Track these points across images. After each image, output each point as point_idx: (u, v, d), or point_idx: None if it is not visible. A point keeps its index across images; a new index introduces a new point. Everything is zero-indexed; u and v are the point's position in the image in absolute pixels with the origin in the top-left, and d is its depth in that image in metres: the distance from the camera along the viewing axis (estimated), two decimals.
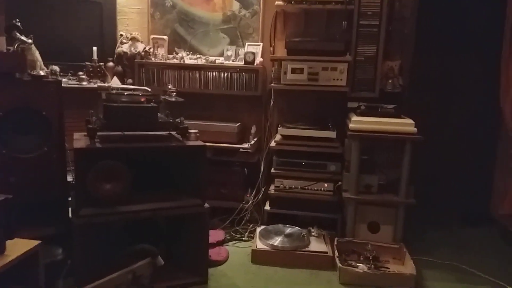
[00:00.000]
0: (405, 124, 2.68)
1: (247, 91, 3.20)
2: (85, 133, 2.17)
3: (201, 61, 3.28)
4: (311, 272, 2.57)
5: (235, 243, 2.92)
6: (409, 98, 3.12)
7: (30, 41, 2.39)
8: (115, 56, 3.33)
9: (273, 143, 3.08)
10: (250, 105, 3.40)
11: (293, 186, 3.02)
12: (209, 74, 3.21)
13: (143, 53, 3.27)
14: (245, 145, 3.14)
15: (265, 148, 3.34)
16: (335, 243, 2.71)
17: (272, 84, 3.12)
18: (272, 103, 3.34)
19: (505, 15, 2.92)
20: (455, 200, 3.66)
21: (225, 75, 3.20)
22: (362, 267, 2.47)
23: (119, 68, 3.30)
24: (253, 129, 3.30)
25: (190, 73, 3.23)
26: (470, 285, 2.51)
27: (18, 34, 2.33)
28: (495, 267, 2.72)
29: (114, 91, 2.33)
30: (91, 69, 3.13)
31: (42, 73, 2.27)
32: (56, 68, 2.80)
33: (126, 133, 2.21)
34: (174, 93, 2.53)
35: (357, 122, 2.72)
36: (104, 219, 2.09)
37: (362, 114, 2.79)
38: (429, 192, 3.35)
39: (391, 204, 2.76)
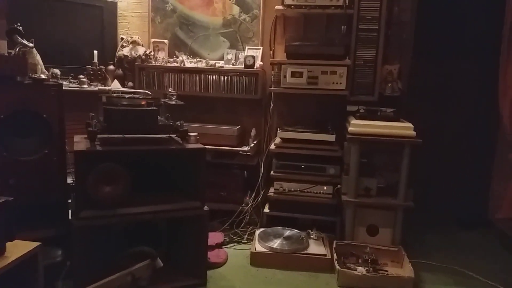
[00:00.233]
0: (404, 128, 2.69)
1: (247, 94, 3.22)
2: (86, 136, 2.19)
3: (202, 64, 3.30)
4: (310, 275, 2.58)
5: (234, 246, 2.93)
6: (408, 102, 3.13)
7: (31, 44, 2.41)
8: (116, 59, 3.35)
9: (272, 146, 3.10)
10: (250, 108, 3.42)
11: (292, 189, 3.03)
12: (209, 77, 3.23)
13: (143, 56, 3.29)
14: (245, 148, 3.15)
15: (264, 151, 3.35)
16: (334, 245, 2.71)
17: (272, 88, 3.13)
18: (271, 106, 3.36)
19: (503, 20, 2.94)
20: (453, 204, 3.67)
21: (225, 79, 3.21)
22: (360, 269, 2.48)
23: (120, 71, 3.32)
24: (253, 132, 3.31)
25: (191, 77, 3.24)
26: None
27: (19, 38, 2.34)
28: (493, 270, 2.73)
29: (114, 94, 2.34)
30: (91, 72, 3.14)
31: (43, 76, 2.29)
32: (57, 71, 2.81)
33: (126, 136, 2.22)
34: (174, 96, 2.54)
35: (356, 125, 2.74)
36: (103, 221, 2.10)
37: (361, 117, 2.81)
38: (427, 195, 3.36)
39: (390, 207, 2.77)
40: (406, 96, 3.15)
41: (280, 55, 3.27)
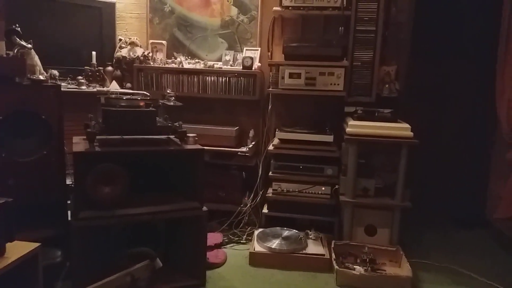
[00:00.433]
0: (402, 129, 2.71)
1: (245, 95, 3.23)
2: (84, 137, 2.19)
3: (200, 65, 3.31)
4: (309, 275, 2.59)
5: (233, 246, 2.94)
6: (405, 103, 3.15)
7: (29, 45, 2.41)
8: (114, 60, 3.35)
9: (271, 147, 3.11)
10: (248, 109, 3.43)
11: (290, 190, 3.04)
12: (208, 78, 3.24)
13: (142, 57, 3.29)
14: (243, 149, 3.16)
15: (263, 152, 3.36)
16: (332, 245, 2.72)
17: (270, 89, 3.14)
18: (270, 107, 3.37)
19: (501, 20, 2.96)
20: (451, 203, 3.69)
21: (223, 80, 3.22)
22: (359, 269, 2.49)
23: (118, 72, 3.32)
24: (251, 133, 3.32)
25: (189, 78, 3.25)
26: None
27: (17, 39, 2.35)
28: (490, 269, 2.74)
29: (113, 96, 2.35)
30: (90, 73, 3.15)
31: (41, 77, 2.29)
32: (55, 72, 2.82)
33: (124, 137, 2.23)
34: (173, 98, 2.54)
35: (354, 126, 2.75)
36: (102, 222, 2.11)
37: (359, 118, 2.82)
38: (425, 196, 3.37)
39: (388, 207, 2.78)
40: (404, 96, 3.16)
41: (278, 56, 3.28)
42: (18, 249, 1.73)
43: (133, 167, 2.18)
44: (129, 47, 3.35)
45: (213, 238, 2.87)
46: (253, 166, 3.36)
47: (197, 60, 3.36)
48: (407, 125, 2.71)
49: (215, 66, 3.30)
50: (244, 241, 3.00)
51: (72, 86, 3.02)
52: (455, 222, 3.58)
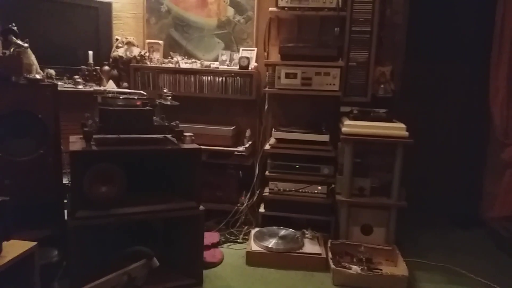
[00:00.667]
0: (397, 128, 2.73)
1: (242, 95, 3.24)
2: (81, 136, 2.19)
3: (196, 65, 3.31)
4: (305, 274, 2.60)
5: (229, 245, 2.94)
6: (400, 103, 3.17)
7: (26, 45, 2.40)
8: (111, 60, 3.35)
9: (267, 146, 3.12)
10: (245, 109, 3.44)
11: (287, 189, 3.05)
12: (204, 78, 3.24)
13: (138, 57, 3.29)
14: (240, 148, 3.16)
15: (259, 151, 3.37)
16: (329, 245, 2.74)
17: (266, 89, 3.15)
18: (266, 107, 3.38)
19: (494, 21, 2.98)
20: (446, 203, 3.71)
21: (220, 79, 3.23)
22: (355, 268, 2.51)
23: (115, 72, 3.32)
24: (248, 133, 3.33)
25: (185, 77, 3.26)
26: (462, 287, 2.55)
27: (14, 38, 2.34)
28: (486, 268, 2.76)
29: (109, 95, 2.35)
30: (86, 72, 3.14)
31: (38, 76, 2.28)
32: (52, 71, 2.82)
33: (121, 136, 2.23)
34: (170, 97, 2.54)
35: (350, 126, 2.77)
36: (99, 221, 2.10)
37: (354, 118, 2.83)
38: (421, 195, 3.39)
39: (384, 206, 2.80)
40: (399, 97, 3.18)
41: (274, 57, 3.29)
42: (14, 248, 1.73)
43: (130, 167, 2.18)
44: (125, 46, 3.35)
45: (210, 237, 2.87)
46: (250, 165, 3.36)
47: (193, 60, 3.36)
48: (402, 125, 2.73)
49: (212, 66, 3.31)
50: (241, 241, 3.00)
51: (69, 85, 3.01)
52: (451, 221, 3.61)
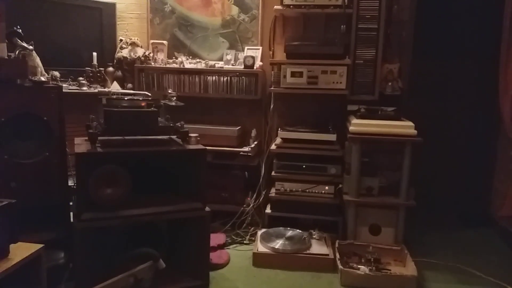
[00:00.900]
0: (405, 127, 2.69)
1: (247, 95, 3.22)
2: (86, 138, 2.19)
3: (201, 65, 3.30)
4: (313, 275, 2.57)
5: (236, 247, 2.92)
6: (408, 101, 3.13)
7: (31, 47, 2.41)
8: (115, 61, 3.35)
9: (273, 146, 3.09)
10: (250, 108, 3.42)
11: (293, 189, 3.03)
12: (209, 78, 3.23)
13: (142, 58, 3.29)
14: (246, 149, 3.15)
15: (265, 152, 3.35)
16: (336, 245, 2.71)
17: (272, 88, 3.13)
18: (272, 106, 3.36)
19: (503, 17, 2.94)
20: (456, 202, 3.67)
21: (225, 79, 3.21)
22: (363, 269, 2.48)
23: (119, 73, 3.32)
24: (253, 133, 3.31)
25: (190, 78, 3.24)
26: (472, 286, 2.51)
27: (19, 41, 2.35)
28: (496, 268, 2.72)
29: (114, 96, 2.34)
30: (91, 74, 3.15)
31: (43, 78, 2.28)
32: (56, 73, 2.81)
33: (126, 137, 2.22)
34: (174, 98, 2.54)
35: (357, 125, 2.73)
36: (105, 223, 2.09)
37: (362, 117, 2.80)
38: (429, 194, 3.35)
39: (392, 206, 2.77)
40: (407, 94, 3.15)
41: (280, 55, 3.27)
42: (21, 250, 1.74)
43: (135, 168, 2.17)
44: (130, 47, 3.35)
45: (216, 238, 2.86)
46: (256, 166, 3.34)
47: (198, 60, 3.35)
48: (410, 123, 2.70)
49: (217, 65, 3.29)
50: (247, 242, 2.98)
51: (73, 87, 3.02)
52: (460, 220, 3.57)
